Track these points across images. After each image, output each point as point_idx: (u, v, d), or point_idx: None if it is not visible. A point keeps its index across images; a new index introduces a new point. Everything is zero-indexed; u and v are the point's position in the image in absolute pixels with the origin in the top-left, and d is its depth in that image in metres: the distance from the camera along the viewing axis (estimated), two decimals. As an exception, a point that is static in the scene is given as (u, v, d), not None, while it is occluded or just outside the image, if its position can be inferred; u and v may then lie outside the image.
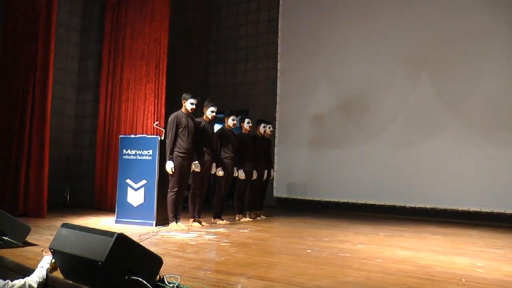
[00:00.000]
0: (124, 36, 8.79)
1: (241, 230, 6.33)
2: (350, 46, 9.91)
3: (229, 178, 7.19)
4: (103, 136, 8.80)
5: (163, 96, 8.54)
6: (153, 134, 7.44)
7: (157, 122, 7.68)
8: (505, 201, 7.90)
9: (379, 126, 9.45)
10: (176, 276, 3.24)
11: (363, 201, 9.32)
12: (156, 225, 6.39)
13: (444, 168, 8.49)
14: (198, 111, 6.69)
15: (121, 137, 7.00)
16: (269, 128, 8.19)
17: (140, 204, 6.54)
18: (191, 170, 6.56)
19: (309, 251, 4.93)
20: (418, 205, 8.79)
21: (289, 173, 10.16)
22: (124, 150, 6.76)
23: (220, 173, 6.94)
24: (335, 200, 9.27)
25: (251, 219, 7.63)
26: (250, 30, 11.62)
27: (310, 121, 10.02)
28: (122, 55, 8.78)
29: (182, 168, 6.32)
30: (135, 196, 6.58)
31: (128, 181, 6.66)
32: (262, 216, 8.02)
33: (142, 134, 7.80)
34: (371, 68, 9.63)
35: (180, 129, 6.31)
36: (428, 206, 8.55)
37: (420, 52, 9.18)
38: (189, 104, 6.45)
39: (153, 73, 8.51)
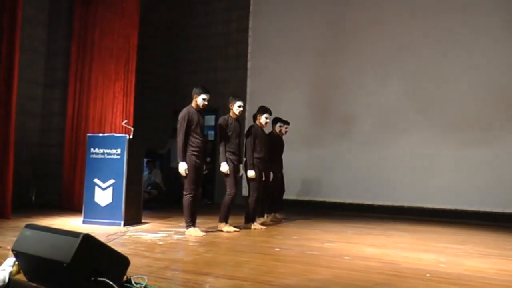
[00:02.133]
0: (93, 33, 8.64)
1: (210, 229, 6.31)
2: (320, 46, 10.00)
3: (260, 180, 6.78)
4: (71, 135, 8.65)
5: (132, 95, 8.44)
6: (122, 133, 7.33)
7: (126, 121, 7.57)
8: (469, 198, 8.11)
9: (349, 126, 9.57)
10: (144, 276, 3.21)
11: (332, 200, 9.42)
12: (124, 225, 6.30)
13: (412, 167, 8.67)
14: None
15: (89, 136, 6.89)
16: (285, 127, 7.87)
17: (108, 204, 6.45)
18: (240, 174, 6.38)
19: (278, 249, 4.97)
20: (386, 204, 8.96)
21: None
22: (92, 149, 6.66)
23: (252, 174, 6.57)
24: (305, 199, 9.35)
25: (272, 222, 7.30)
26: (220, 29, 11.59)
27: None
28: (91, 53, 8.63)
29: (197, 168, 5.89)
30: (103, 195, 6.49)
31: (96, 180, 6.56)
32: (282, 219, 7.64)
33: (111, 133, 7.69)
34: (341, 68, 9.74)
35: (193, 127, 5.86)
36: (396, 204, 8.72)
37: (389, 52, 9.33)
38: (200, 100, 5.94)
39: (122, 71, 8.40)
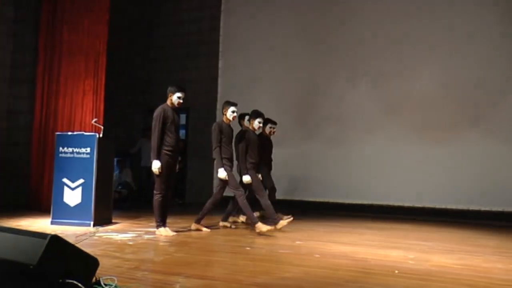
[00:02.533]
0: (62, 29, 8.47)
1: (180, 229, 6.27)
2: (292, 45, 10.05)
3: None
4: (39, 133, 8.47)
5: (102, 92, 8.32)
6: (92, 132, 7.22)
7: (95, 119, 7.46)
8: (435, 196, 8.29)
9: (319, 125, 9.66)
10: (113, 277, 3.18)
11: (303, 199, 9.50)
12: (94, 226, 6.21)
13: (381, 166, 8.81)
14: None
15: (57, 134, 6.77)
16: (274, 128, 7.73)
17: (78, 204, 6.35)
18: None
19: (249, 248, 4.98)
20: (355, 202, 9.08)
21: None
22: (61, 148, 6.54)
23: (247, 179, 6.45)
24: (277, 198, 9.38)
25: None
26: (192, 27, 11.51)
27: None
28: (59, 49, 8.46)
29: (169, 168, 5.83)
30: (72, 195, 6.38)
31: (65, 180, 6.45)
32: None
33: (80, 131, 7.56)
34: (312, 67, 9.81)
35: (167, 125, 5.78)
36: (365, 202, 8.85)
37: (360, 53, 9.46)
38: (175, 98, 5.86)
39: (92, 69, 8.28)
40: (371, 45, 9.39)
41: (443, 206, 8.43)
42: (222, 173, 6.11)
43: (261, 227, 5.88)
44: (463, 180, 8.36)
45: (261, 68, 10.27)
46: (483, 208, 8.30)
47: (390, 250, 5.19)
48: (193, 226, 6.39)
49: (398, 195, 8.10)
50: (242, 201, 6.11)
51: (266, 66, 10.24)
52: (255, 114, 6.73)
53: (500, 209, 8.34)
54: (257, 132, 6.91)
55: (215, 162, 6.25)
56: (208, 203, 6.46)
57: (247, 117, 7.01)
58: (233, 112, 6.30)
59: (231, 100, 6.42)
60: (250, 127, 6.74)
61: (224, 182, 6.23)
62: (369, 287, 3.53)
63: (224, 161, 6.20)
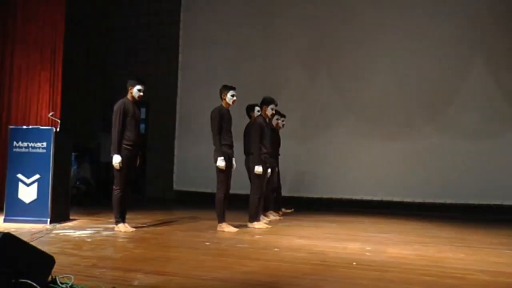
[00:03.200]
0: (15, 18, 8.17)
1: (139, 225, 6.21)
2: (252, 40, 10.06)
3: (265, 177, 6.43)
4: (-9, 127, 8.20)
5: (59, 85, 8.13)
6: (48, 125, 7.04)
7: (52, 113, 7.27)
8: (393, 190, 8.49)
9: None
10: (70, 275, 3.13)
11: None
12: (50, 223, 6.06)
13: (340, 160, 8.95)
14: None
15: (11, 128, 6.55)
16: (282, 121, 7.61)
17: (33, 201, 6.18)
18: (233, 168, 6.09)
19: (208, 243, 4.99)
20: (315, 196, 9.22)
21: (189, 166, 10.13)
22: (15, 143, 6.33)
23: (259, 170, 6.21)
24: (236, 192, 9.36)
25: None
26: (151, 20, 11.34)
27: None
28: (13, 39, 8.17)
29: (129, 163, 5.71)
30: (27, 192, 6.20)
31: (20, 175, 6.26)
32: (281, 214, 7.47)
33: (36, 125, 7.36)
34: (272, 62, 9.86)
35: (128, 119, 5.66)
36: (325, 196, 8.98)
37: (319, 48, 9.57)
38: (136, 91, 5.75)
39: (48, 60, 8.06)
40: (331, 42, 9.52)
41: (400, 199, 8.65)
42: (221, 162, 5.89)
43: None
44: (419, 174, 8.61)
45: (222, 63, 10.24)
46: (437, 201, 8.57)
47: (348, 243, 5.30)
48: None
49: (357, 189, 8.26)
50: (220, 198, 6.00)
51: (227, 61, 10.21)
52: (268, 100, 6.51)
53: (453, 201, 8.64)
54: (268, 120, 6.76)
55: (214, 150, 6.03)
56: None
57: (257, 108, 6.81)
58: (232, 96, 6.08)
59: (228, 84, 6.24)
60: (263, 114, 6.49)
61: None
62: (326, 279, 3.60)
63: (225, 148, 6.01)
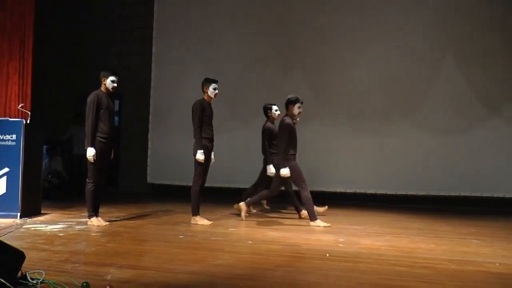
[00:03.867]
0: (-19, 7, 7.98)
1: (113, 218, 6.16)
2: (226, 33, 10.01)
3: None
4: (-42, 119, 7.98)
5: (29, 76, 7.94)
6: (18, 117, 6.89)
7: (22, 104, 7.10)
8: (367, 182, 8.60)
9: (253, 113, 9.72)
10: (41, 271, 3.10)
11: (237, 186, 9.55)
12: (20, 217, 5.95)
13: (314, 154, 9.00)
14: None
15: (-22, 121, 6.41)
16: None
17: (2, 195, 6.04)
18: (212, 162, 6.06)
19: (182, 236, 4.98)
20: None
21: (163, 159, 10.06)
22: (-17, 135, 6.20)
23: (286, 172, 6.00)
24: (210, 185, 9.36)
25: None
26: (125, 11, 11.18)
27: (185, 107, 9.94)
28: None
29: (103, 156, 5.65)
30: (-4, 185, 6.08)
31: (-12, 169, 6.12)
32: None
33: (5, 117, 7.19)
34: (246, 56, 9.84)
35: (102, 111, 5.60)
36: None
37: (293, 43, 9.59)
38: (109, 82, 5.68)
39: (17, 51, 7.86)
40: (306, 36, 9.55)
41: (373, 192, 8.77)
42: (200, 156, 5.88)
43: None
44: (392, 167, 8.74)
45: (196, 55, 10.16)
46: (409, 193, 8.72)
47: (321, 235, 5.37)
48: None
49: (331, 181, 8.34)
50: (196, 191, 5.99)
51: (201, 53, 10.14)
52: (294, 99, 6.32)
53: (424, 193, 8.81)
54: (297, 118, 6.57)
55: (194, 142, 5.99)
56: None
57: (274, 107, 6.83)
58: (214, 89, 6.06)
59: (210, 77, 6.21)
60: (290, 114, 6.33)
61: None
62: (299, 270, 3.65)
63: (205, 141, 5.98)
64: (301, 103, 6.31)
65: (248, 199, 6.66)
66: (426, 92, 9.04)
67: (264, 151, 6.92)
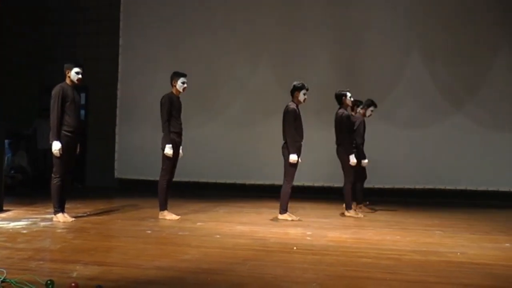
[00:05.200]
0: None
1: (79, 214, 6.06)
2: (194, 26, 9.93)
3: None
4: None
5: (-9, 69, 7.72)
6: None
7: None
8: (335, 175, 8.66)
9: (221, 107, 9.73)
10: (2, 270, 3.03)
11: (204, 180, 9.55)
12: (-18, 214, 5.81)
13: (279, 146, 9.04)
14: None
15: None
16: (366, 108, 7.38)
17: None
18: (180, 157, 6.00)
19: (149, 231, 4.95)
20: (257, 183, 9.32)
21: (131, 153, 9.94)
22: None
23: (294, 158, 6.02)
24: (179, 180, 9.31)
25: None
26: (91, 3, 10.95)
27: (153, 100, 9.84)
28: None
29: (69, 150, 5.53)
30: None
31: None
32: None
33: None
34: (214, 49, 9.80)
35: (67, 104, 5.45)
36: (267, 183, 9.09)
37: (261, 38, 9.61)
38: (74, 74, 5.54)
39: (-23, 43, 7.63)
40: (273, 30, 9.58)
41: (341, 185, 8.87)
42: (168, 150, 5.83)
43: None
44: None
45: (163, 48, 10.05)
46: (376, 186, 8.87)
47: (289, 228, 5.41)
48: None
49: (298, 175, 8.26)
50: (164, 186, 5.96)
51: (169, 46, 10.03)
52: (300, 86, 6.25)
53: (390, 186, 8.99)
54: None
55: (162, 137, 5.93)
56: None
57: (348, 94, 6.76)
58: (183, 83, 6.01)
59: (179, 71, 6.15)
60: (295, 101, 6.26)
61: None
62: (267, 264, 3.67)
63: (174, 136, 5.93)
64: (307, 89, 6.28)
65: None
66: (391, 87, 9.20)
67: (342, 140, 6.71)
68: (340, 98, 6.79)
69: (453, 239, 4.94)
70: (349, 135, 6.69)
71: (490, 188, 8.74)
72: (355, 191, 6.90)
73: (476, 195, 8.73)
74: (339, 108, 6.79)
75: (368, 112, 7.21)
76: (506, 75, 8.94)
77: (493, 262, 3.93)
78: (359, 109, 7.26)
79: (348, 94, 6.75)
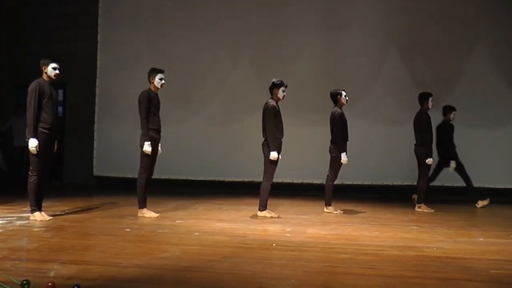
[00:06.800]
0: None
1: (57, 213, 5.98)
2: (174, 22, 9.86)
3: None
4: None
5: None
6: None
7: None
8: (314, 172, 8.73)
9: (201, 104, 9.69)
10: (-24, 270, 2.98)
11: (184, 177, 9.52)
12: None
13: (259, 143, 9.06)
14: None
15: None
16: (454, 114, 7.74)
17: None
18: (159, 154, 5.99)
19: (128, 229, 4.92)
20: (236, 179, 9.30)
21: (110, 151, 9.84)
22: None
23: (275, 156, 6.02)
24: (158, 177, 9.27)
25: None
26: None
27: (132, 97, 9.73)
28: None
29: (47, 147, 5.43)
30: None
31: None
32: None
33: None
34: (195, 46, 9.74)
35: (44, 100, 5.37)
36: (246, 180, 9.09)
37: (242, 35, 9.59)
38: (50, 69, 5.47)
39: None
40: (253, 26, 9.57)
41: (320, 182, 8.92)
42: (147, 147, 5.75)
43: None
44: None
45: (143, 43, 9.95)
46: (355, 182, 8.96)
47: (268, 225, 5.44)
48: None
49: (277, 172, 8.33)
50: (142, 183, 5.91)
51: (149, 42, 9.94)
52: (280, 83, 6.26)
53: (369, 182, 9.09)
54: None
55: (141, 134, 5.87)
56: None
57: (344, 93, 6.83)
58: (160, 79, 5.94)
59: (157, 67, 6.08)
60: (275, 98, 6.27)
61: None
62: (245, 261, 3.69)
63: (152, 133, 5.87)
64: (286, 86, 6.29)
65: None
66: (370, 84, 9.29)
67: (336, 139, 6.78)
68: (335, 97, 6.87)
69: (429, 234, 5.02)
70: (342, 134, 6.72)
71: (465, 184, 8.90)
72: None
73: (452, 191, 8.87)
74: (334, 107, 6.86)
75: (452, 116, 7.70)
76: (483, 71, 9.10)
77: (468, 256, 4.02)
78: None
79: (343, 93, 6.83)
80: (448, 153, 7.56)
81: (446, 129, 7.62)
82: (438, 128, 7.63)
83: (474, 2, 9.23)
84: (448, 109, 7.74)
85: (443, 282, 3.22)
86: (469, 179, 7.61)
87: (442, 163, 7.70)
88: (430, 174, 7.46)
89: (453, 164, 7.48)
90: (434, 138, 7.43)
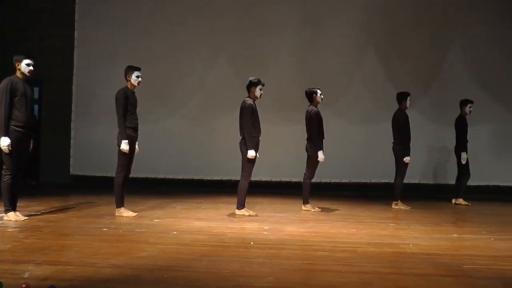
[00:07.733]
0: None
1: (32, 213, 5.89)
2: (152, 20, 9.77)
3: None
4: None
5: None
6: None
7: None
8: (292, 170, 8.77)
9: (179, 102, 9.64)
10: None
11: (162, 176, 9.46)
12: None
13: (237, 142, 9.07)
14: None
15: None
16: (470, 107, 7.82)
17: None
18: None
19: (105, 229, 4.87)
20: (215, 178, 9.29)
21: (87, 149, 9.70)
22: None
23: (252, 154, 6.01)
24: (136, 176, 9.19)
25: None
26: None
27: (110, 95, 9.61)
28: None
29: (20, 145, 5.32)
30: None
31: None
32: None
33: None
34: (173, 44, 9.68)
35: (17, 98, 5.25)
36: (225, 178, 9.08)
37: (220, 34, 9.57)
38: (24, 66, 5.36)
39: None
40: (231, 26, 9.57)
41: (298, 180, 8.96)
42: (125, 146, 5.72)
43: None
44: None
45: (121, 41, 9.84)
46: (333, 180, 9.04)
47: (246, 223, 5.45)
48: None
49: (256, 170, 8.37)
50: (119, 183, 5.86)
51: (126, 39, 9.83)
52: (257, 81, 6.28)
53: (346, 180, 9.17)
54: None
55: (118, 132, 5.81)
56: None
57: (319, 91, 6.89)
58: (137, 77, 5.89)
59: (133, 65, 6.04)
60: (252, 96, 6.28)
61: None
62: (223, 259, 3.69)
63: (130, 131, 5.82)
64: (263, 85, 6.30)
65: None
66: (348, 83, 9.37)
67: (312, 137, 6.83)
68: (310, 95, 6.93)
69: (406, 231, 5.10)
70: (318, 132, 6.79)
71: (442, 182, 9.08)
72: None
73: (429, 189, 9.02)
74: (309, 105, 6.91)
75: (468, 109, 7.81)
76: (458, 70, 9.26)
77: (443, 252, 4.10)
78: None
79: (319, 92, 6.89)
80: (460, 146, 7.69)
81: (463, 123, 7.73)
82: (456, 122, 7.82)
83: (448, 3, 9.39)
84: (463, 103, 7.85)
85: (419, 278, 3.28)
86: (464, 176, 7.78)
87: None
88: (465, 171, 7.72)
89: (464, 155, 7.63)
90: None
